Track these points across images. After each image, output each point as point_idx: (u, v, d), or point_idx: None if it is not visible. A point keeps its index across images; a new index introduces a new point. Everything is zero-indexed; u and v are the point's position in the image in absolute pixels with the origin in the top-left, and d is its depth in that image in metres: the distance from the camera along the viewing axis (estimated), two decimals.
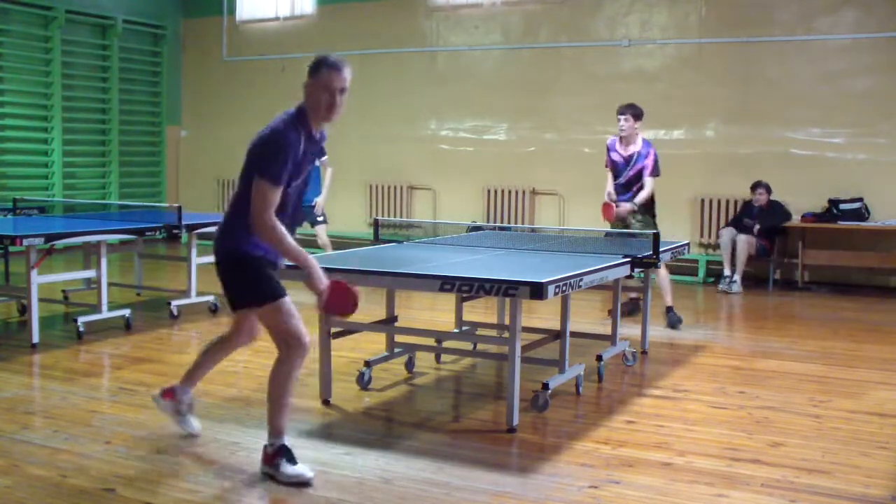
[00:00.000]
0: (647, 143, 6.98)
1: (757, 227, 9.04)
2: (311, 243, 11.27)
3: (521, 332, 4.28)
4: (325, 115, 3.53)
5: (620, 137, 6.98)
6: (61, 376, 5.26)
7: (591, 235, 7.03)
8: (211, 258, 8.15)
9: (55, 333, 6.48)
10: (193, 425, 4.15)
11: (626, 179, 6.96)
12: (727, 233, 9.15)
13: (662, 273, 6.92)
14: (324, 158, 8.29)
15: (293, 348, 3.61)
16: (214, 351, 4.09)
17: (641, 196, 6.87)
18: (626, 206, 6.90)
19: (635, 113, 6.90)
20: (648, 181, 6.87)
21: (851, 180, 9.16)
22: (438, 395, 5.06)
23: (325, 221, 8.70)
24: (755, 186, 9.12)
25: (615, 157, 7.04)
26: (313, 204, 8.47)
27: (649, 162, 6.85)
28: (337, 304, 3.64)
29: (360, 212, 11.71)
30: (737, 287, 8.95)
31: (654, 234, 5.18)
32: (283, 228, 3.49)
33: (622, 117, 6.87)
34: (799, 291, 9.13)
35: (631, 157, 6.92)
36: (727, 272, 9.08)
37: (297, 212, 3.76)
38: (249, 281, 3.62)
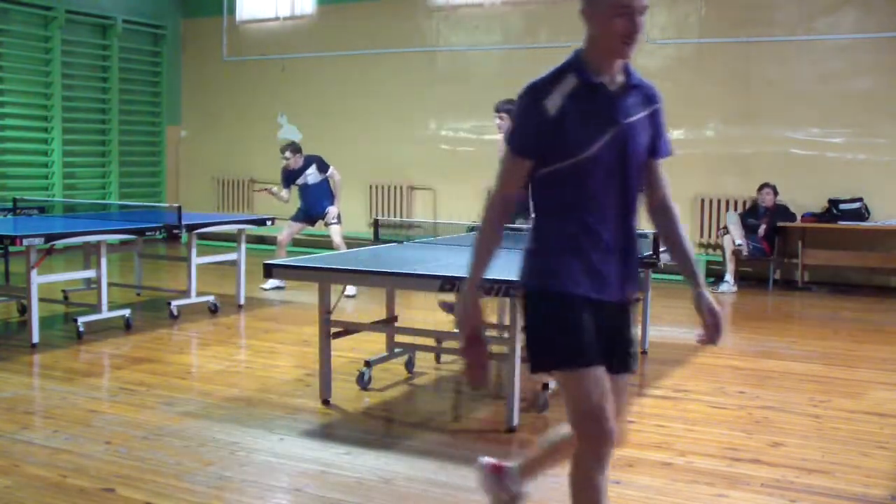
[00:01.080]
0: None
1: (763, 227, 9.05)
2: (324, 244, 11.27)
3: (521, 332, 4.27)
4: (620, 47, 2.38)
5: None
6: (61, 376, 5.26)
7: None
8: (211, 258, 8.15)
9: (55, 333, 6.48)
10: None
11: None
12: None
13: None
14: (330, 170, 8.70)
15: (582, 439, 2.47)
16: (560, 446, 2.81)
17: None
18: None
19: (508, 110, 6.82)
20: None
21: (851, 180, 9.16)
22: (438, 395, 5.06)
23: (338, 222, 8.83)
24: (762, 187, 9.14)
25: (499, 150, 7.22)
26: (326, 211, 8.75)
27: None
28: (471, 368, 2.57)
29: (360, 212, 11.69)
30: (726, 287, 8.97)
31: (654, 234, 5.17)
32: (500, 219, 2.60)
33: (496, 114, 6.79)
34: (799, 291, 9.13)
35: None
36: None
37: (627, 196, 2.51)
38: (537, 328, 2.53)
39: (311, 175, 8.72)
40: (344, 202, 12.08)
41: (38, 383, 5.20)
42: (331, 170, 8.77)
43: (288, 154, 8.65)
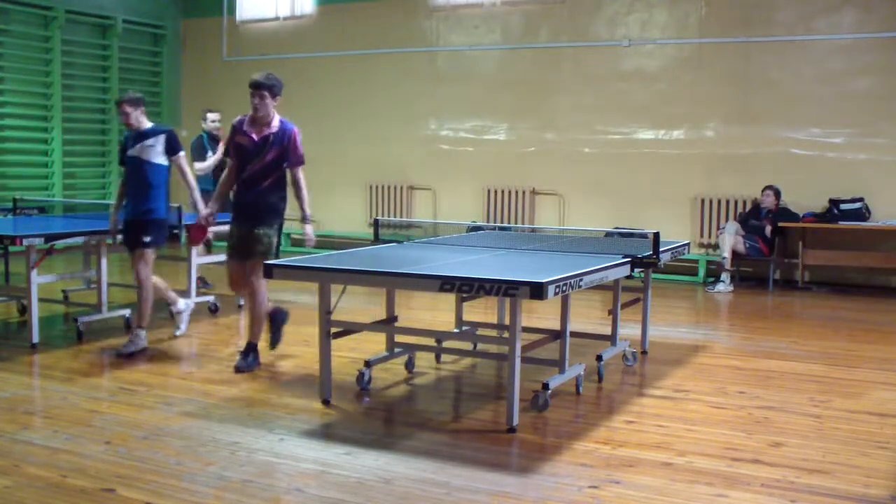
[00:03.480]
0: (286, 122, 5.54)
1: (769, 228, 9.06)
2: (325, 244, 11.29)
3: (521, 332, 4.28)
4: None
5: (252, 117, 5.46)
6: (61, 376, 5.26)
7: (591, 235, 7.02)
8: (211, 258, 8.11)
9: (55, 333, 6.48)
10: None
11: (260, 167, 5.40)
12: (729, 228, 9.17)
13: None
14: (180, 156, 5.97)
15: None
16: None
17: (306, 200, 5.54)
18: (309, 232, 5.54)
19: (271, 86, 5.38)
20: (300, 175, 5.50)
21: (852, 180, 9.16)
22: (438, 395, 5.06)
23: (151, 244, 5.98)
24: (765, 189, 9.17)
25: (243, 140, 5.44)
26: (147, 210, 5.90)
27: (296, 148, 5.46)
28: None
29: (360, 212, 11.71)
30: (722, 287, 8.98)
31: (654, 233, 5.17)
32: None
33: (253, 91, 5.37)
34: (799, 291, 9.13)
35: (266, 139, 5.41)
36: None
37: None
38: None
39: (154, 150, 5.88)
40: (343, 202, 12.15)
41: (38, 383, 5.20)
42: (181, 156, 5.97)
43: (128, 108, 5.86)
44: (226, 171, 5.67)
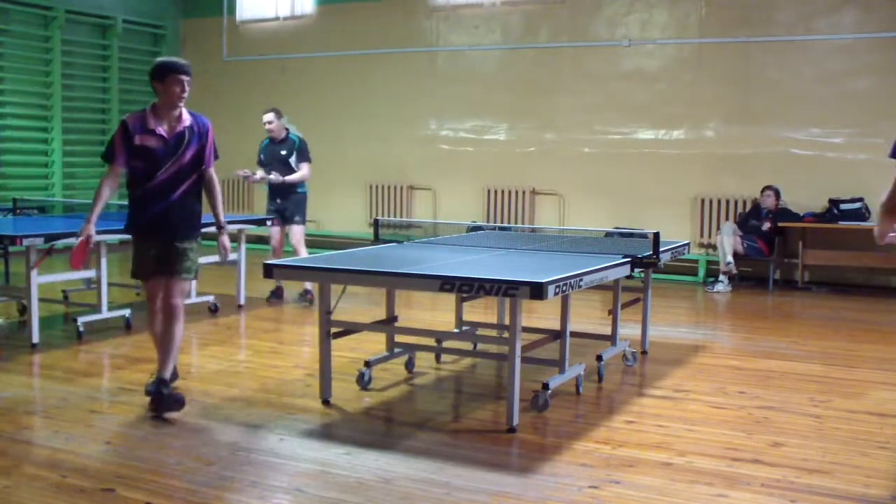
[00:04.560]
0: (196, 114, 4.73)
1: (767, 225, 9.05)
2: (322, 244, 11.25)
3: (521, 332, 4.28)
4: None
5: (155, 107, 4.54)
6: (61, 376, 5.26)
7: (591, 235, 7.02)
8: (211, 258, 8.13)
9: (55, 333, 6.48)
10: None
11: (175, 171, 4.53)
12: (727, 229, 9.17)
13: None
14: None
15: None
16: None
17: (221, 204, 4.78)
18: (226, 243, 4.79)
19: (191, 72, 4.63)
20: (212, 174, 4.73)
21: (852, 180, 9.16)
22: (438, 395, 5.06)
23: None
24: (764, 189, 9.17)
25: (149, 141, 4.47)
26: None
27: (210, 143, 4.70)
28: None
29: (360, 212, 11.71)
30: (721, 287, 8.98)
31: (654, 233, 5.17)
32: None
33: (185, 78, 4.52)
34: (799, 291, 9.13)
35: (181, 137, 4.55)
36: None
37: None
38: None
39: None
40: (343, 202, 12.16)
41: (38, 383, 5.20)
42: None
43: None
44: (108, 180, 4.56)
